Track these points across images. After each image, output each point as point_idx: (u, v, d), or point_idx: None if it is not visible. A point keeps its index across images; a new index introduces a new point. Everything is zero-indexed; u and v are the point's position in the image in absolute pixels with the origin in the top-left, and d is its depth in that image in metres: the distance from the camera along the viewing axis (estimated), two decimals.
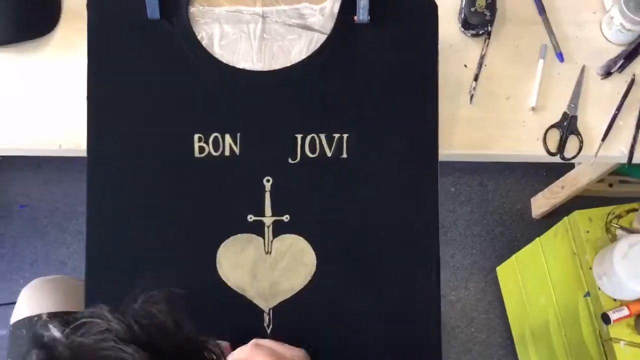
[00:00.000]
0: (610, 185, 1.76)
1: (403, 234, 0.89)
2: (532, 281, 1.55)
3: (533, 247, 1.51)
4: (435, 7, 0.91)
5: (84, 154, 0.94)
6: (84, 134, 0.90)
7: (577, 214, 1.27)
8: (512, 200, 1.94)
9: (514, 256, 1.64)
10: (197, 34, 0.90)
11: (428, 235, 0.89)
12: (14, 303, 1.65)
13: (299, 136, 0.89)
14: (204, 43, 0.90)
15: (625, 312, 1.19)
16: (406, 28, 0.91)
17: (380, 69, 0.90)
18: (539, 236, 1.53)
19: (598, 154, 1.00)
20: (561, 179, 1.79)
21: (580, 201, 1.75)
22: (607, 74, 1.03)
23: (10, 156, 1.09)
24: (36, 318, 1.02)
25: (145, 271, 0.87)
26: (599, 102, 1.02)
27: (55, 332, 0.56)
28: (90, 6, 0.90)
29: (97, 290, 0.87)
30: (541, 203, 1.87)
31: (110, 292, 0.85)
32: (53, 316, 0.58)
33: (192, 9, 0.90)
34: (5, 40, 0.97)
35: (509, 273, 1.70)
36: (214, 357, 0.60)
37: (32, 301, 1.07)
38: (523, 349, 1.66)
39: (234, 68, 0.90)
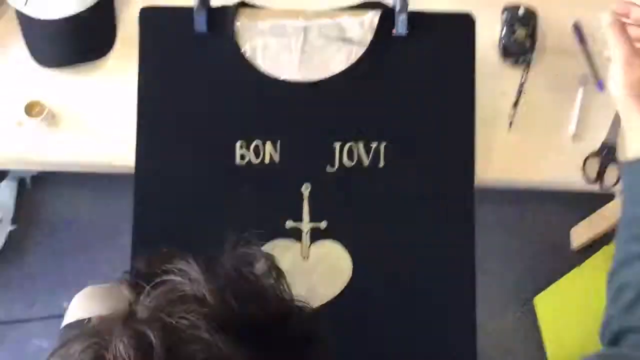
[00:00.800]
0: None
1: (438, 244, 0.91)
2: (571, 312, 1.54)
3: (572, 276, 1.50)
4: (473, 22, 0.95)
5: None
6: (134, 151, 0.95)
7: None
8: (551, 230, 1.92)
9: (552, 286, 1.63)
10: (241, 47, 0.95)
11: (464, 246, 0.91)
12: (60, 316, 1.71)
13: (337, 145, 0.92)
14: (248, 55, 0.95)
15: None
16: (443, 42, 0.95)
17: (417, 81, 0.94)
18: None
19: None
20: (602, 209, 1.77)
21: None
22: None
23: (59, 173, 1.13)
24: (87, 321, 1.05)
25: None
26: None
27: (132, 292, 0.50)
28: (141, 19, 0.96)
29: None
30: (581, 234, 1.85)
31: None
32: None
33: (238, 24, 0.95)
34: (63, 63, 1.02)
35: (547, 303, 1.68)
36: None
37: (83, 305, 1.10)
38: None
39: (275, 79, 0.94)
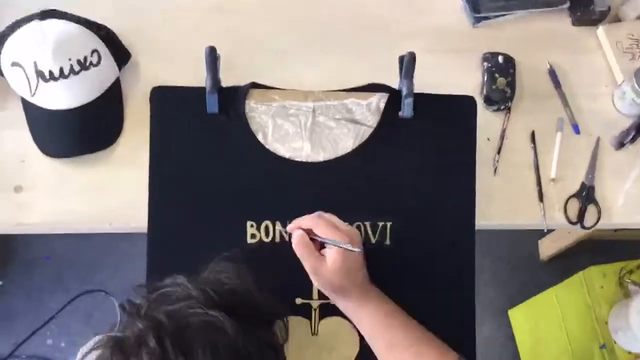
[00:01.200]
0: (615, 230, 1.83)
1: (444, 318, 0.95)
2: (546, 327, 1.61)
3: (547, 295, 1.57)
4: (475, 103, 0.98)
5: (132, 230, 1.00)
6: (134, 213, 0.97)
7: (592, 270, 1.34)
8: (520, 243, 2.01)
9: (526, 302, 1.70)
10: (252, 127, 0.96)
11: (466, 318, 0.95)
12: (42, 359, 1.70)
13: None
14: (259, 136, 0.96)
15: None
16: (448, 122, 0.99)
17: (422, 160, 0.97)
18: (547, 278, 1.60)
19: (615, 222, 1.07)
20: None
21: (586, 244, 1.82)
22: (620, 144, 1.10)
23: None
24: None
25: None
26: (614, 172, 1.09)
27: (142, 299, 0.66)
28: (152, 99, 0.96)
29: None
30: (548, 246, 1.94)
31: None
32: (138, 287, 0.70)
33: (248, 104, 0.96)
34: (69, 153, 1.01)
35: (521, 317, 1.76)
36: (284, 318, 0.71)
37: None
38: None
39: (285, 159, 0.96)
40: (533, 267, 1.97)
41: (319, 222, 0.87)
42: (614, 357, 1.28)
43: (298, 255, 0.87)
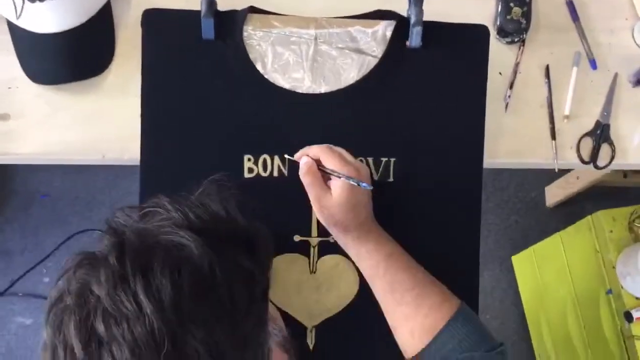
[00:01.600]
0: (625, 175, 1.79)
1: (446, 256, 0.91)
2: (550, 273, 1.59)
3: (552, 240, 1.54)
4: (487, 33, 0.92)
5: (125, 163, 0.96)
6: (127, 144, 0.93)
7: (600, 214, 1.30)
8: (526, 189, 1.97)
9: (531, 248, 1.67)
10: (250, 55, 0.90)
11: (470, 256, 0.92)
12: (41, 297, 1.69)
13: None
14: (257, 65, 0.90)
15: None
16: (458, 53, 0.92)
17: (430, 93, 0.92)
18: (553, 224, 1.57)
19: (630, 162, 1.02)
20: (576, 169, 1.82)
21: (594, 191, 1.79)
22: (638, 81, 1.04)
23: None
24: None
25: None
26: (631, 110, 1.04)
27: (123, 218, 0.63)
28: (144, 23, 0.90)
29: None
30: (556, 192, 1.90)
31: None
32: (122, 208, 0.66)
33: (246, 30, 0.91)
34: (58, 80, 0.96)
35: (525, 263, 1.73)
36: (265, 245, 0.67)
37: None
38: (537, 336, 1.71)
39: (285, 90, 0.90)
40: (538, 213, 1.94)
41: (328, 153, 0.83)
42: (620, 303, 1.26)
43: (304, 183, 0.84)
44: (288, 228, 0.91)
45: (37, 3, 0.90)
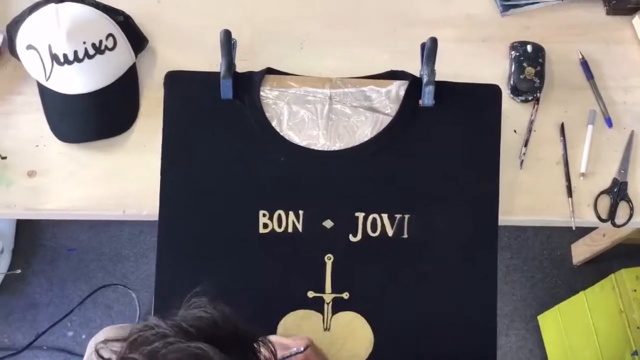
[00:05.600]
0: None
1: (462, 316, 0.91)
2: (576, 333, 1.55)
3: (577, 299, 1.51)
4: (499, 92, 0.94)
5: (144, 218, 0.98)
6: (147, 200, 0.95)
7: (624, 272, 1.28)
8: (552, 246, 1.94)
9: (556, 307, 1.64)
10: (267, 113, 0.93)
11: (486, 311, 0.91)
12: (65, 350, 1.70)
13: (361, 215, 0.91)
14: (273, 123, 0.93)
15: None
16: (470, 112, 0.94)
17: (443, 151, 0.93)
18: (579, 283, 1.54)
19: None
20: (601, 227, 1.79)
21: (621, 249, 1.75)
22: None
23: None
24: None
25: None
26: None
27: (108, 355, 0.60)
28: (167, 85, 0.94)
29: None
30: (582, 250, 1.87)
31: None
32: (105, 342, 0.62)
33: (263, 91, 0.94)
34: (85, 138, 1.00)
35: (551, 323, 1.69)
36: (266, 346, 0.65)
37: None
38: None
39: (300, 147, 0.93)
40: (565, 271, 1.90)
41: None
42: None
43: None
44: (302, 284, 0.91)
45: (66, 66, 0.94)
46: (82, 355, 1.16)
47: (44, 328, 1.74)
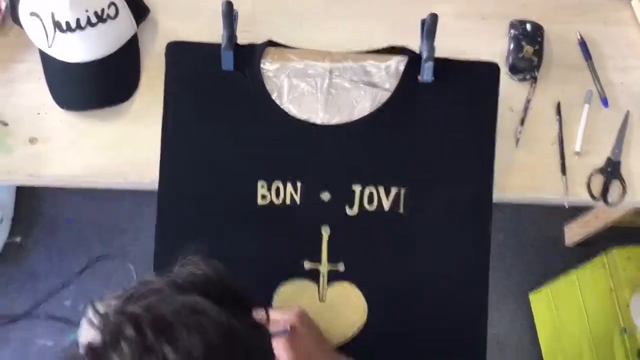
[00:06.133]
0: None
1: (454, 288, 0.93)
2: (566, 311, 1.58)
3: (568, 278, 1.53)
4: (498, 70, 0.95)
5: (146, 187, 1.00)
6: (148, 169, 0.96)
7: (615, 252, 1.30)
8: (545, 227, 1.96)
9: (547, 285, 1.66)
10: (267, 86, 0.94)
11: (478, 287, 0.93)
12: (63, 320, 1.73)
13: (358, 188, 0.92)
14: (274, 95, 0.94)
15: None
16: (469, 89, 0.95)
17: (441, 127, 0.94)
18: (571, 263, 1.56)
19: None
20: (596, 209, 1.81)
21: (614, 231, 1.77)
22: None
23: None
24: None
25: None
26: None
27: (106, 307, 0.59)
28: (167, 54, 0.95)
29: None
30: (575, 232, 1.89)
31: None
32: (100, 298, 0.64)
33: (264, 63, 0.95)
34: (86, 107, 1.01)
35: (542, 301, 1.72)
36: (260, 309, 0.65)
37: None
38: None
39: (299, 120, 0.94)
40: (558, 252, 1.93)
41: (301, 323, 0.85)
42: (634, 342, 1.25)
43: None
44: (298, 255, 0.93)
45: (68, 33, 0.95)
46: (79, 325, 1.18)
47: (42, 297, 1.77)
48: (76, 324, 1.72)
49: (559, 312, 1.62)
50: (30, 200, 1.88)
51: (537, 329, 1.78)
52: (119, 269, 1.82)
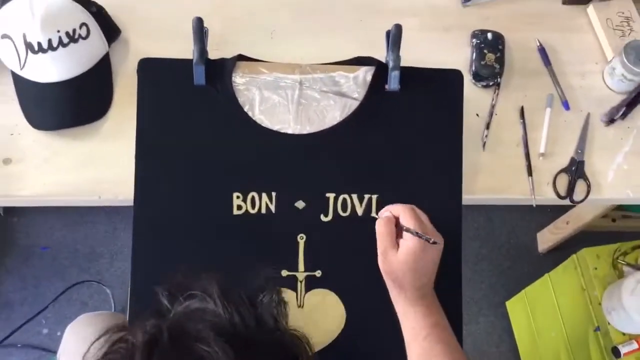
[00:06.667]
0: (614, 220, 1.82)
1: None
2: (542, 315, 1.60)
3: (542, 282, 1.56)
4: (461, 76, 0.98)
5: (121, 203, 1.00)
6: (123, 186, 0.97)
7: (585, 252, 1.33)
8: (518, 235, 2.00)
9: (523, 291, 1.69)
10: (239, 99, 0.96)
11: (452, 287, 0.94)
12: (39, 348, 1.71)
13: (332, 195, 0.94)
14: (246, 108, 0.96)
15: (634, 345, 1.25)
16: (434, 96, 0.98)
17: (409, 133, 0.97)
18: (545, 270, 1.59)
19: (605, 197, 1.06)
20: (566, 214, 1.85)
21: (585, 236, 1.82)
22: (610, 121, 1.10)
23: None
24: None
25: None
26: (604, 147, 1.09)
27: (169, 299, 0.62)
28: (140, 70, 0.96)
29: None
30: (547, 238, 1.93)
31: None
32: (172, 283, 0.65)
33: (235, 77, 0.97)
34: (59, 126, 1.01)
35: (518, 307, 1.75)
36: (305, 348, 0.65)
37: (78, 333, 1.11)
38: None
39: (271, 131, 0.95)
40: (531, 259, 1.96)
41: (409, 213, 0.88)
42: (608, 339, 1.27)
43: (377, 233, 0.89)
44: (275, 263, 0.94)
45: (40, 54, 0.96)
46: (56, 352, 1.18)
47: (18, 326, 1.74)
48: (54, 352, 1.71)
49: (535, 317, 1.64)
50: (2, 229, 1.86)
51: (515, 336, 1.81)
52: (96, 294, 1.80)
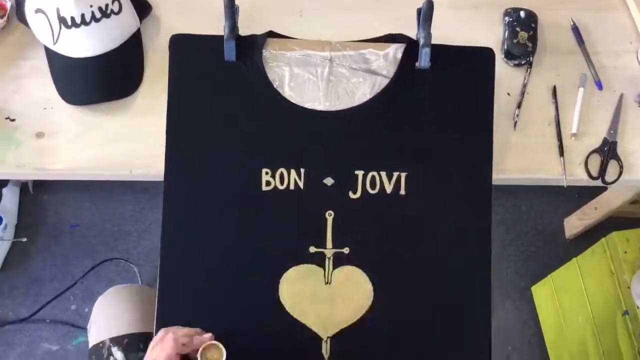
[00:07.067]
0: None
1: (457, 268, 0.94)
2: (568, 300, 1.59)
3: (570, 266, 1.55)
4: (493, 54, 0.97)
5: (152, 178, 1.01)
6: (154, 161, 0.98)
7: (615, 235, 1.31)
8: (545, 221, 1.98)
9: (549, 276, 1.68)
10: (269, 75, 0.96)
11: (481, 266, 0.94)
12: (68, 324, 1.74)
13: (360, 173, 0.94)
14: (275, 84, 0.96)
15: None
16: (465, 74, 0.97)
17: (439, 111, 0.96)
18: (572, 255, 1.57)
19: (638, 178, 1.05)
20: (594, 200, 1.83)
21: (612, 222, 1.79)
22: None
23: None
24: (100, 344, 1.08)
25: (213, 293, 0.93)
26: (637, 128, 1.07)
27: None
28: (171, 46, 0.97)
29: (169, 305, 0.92)
30: (574, 224, 1.91)
31: (182, 308, 0.92)
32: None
33: (266, 53, 0.97)
34: (91, 101, 1.03)
35: (544, 292, 1.73)
36: None
37: (109, 305, 1.13)
38: None
39: (301, 108, 0.96)
40: (558, 245, 1.94)
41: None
42: (636, 324, 1.26)
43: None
44: (303, 239, 0.95)
45: (73, 29, 0.97)
46: (84, 328, 1.20)
47: (47, 301, 1.77)
48: (81, 327, 1.74)
49: (562, 302, 1.63)
50: (33, 207, 1.89)
51: (541, 321, 1.79)
52: (123, 272, 1.83)
